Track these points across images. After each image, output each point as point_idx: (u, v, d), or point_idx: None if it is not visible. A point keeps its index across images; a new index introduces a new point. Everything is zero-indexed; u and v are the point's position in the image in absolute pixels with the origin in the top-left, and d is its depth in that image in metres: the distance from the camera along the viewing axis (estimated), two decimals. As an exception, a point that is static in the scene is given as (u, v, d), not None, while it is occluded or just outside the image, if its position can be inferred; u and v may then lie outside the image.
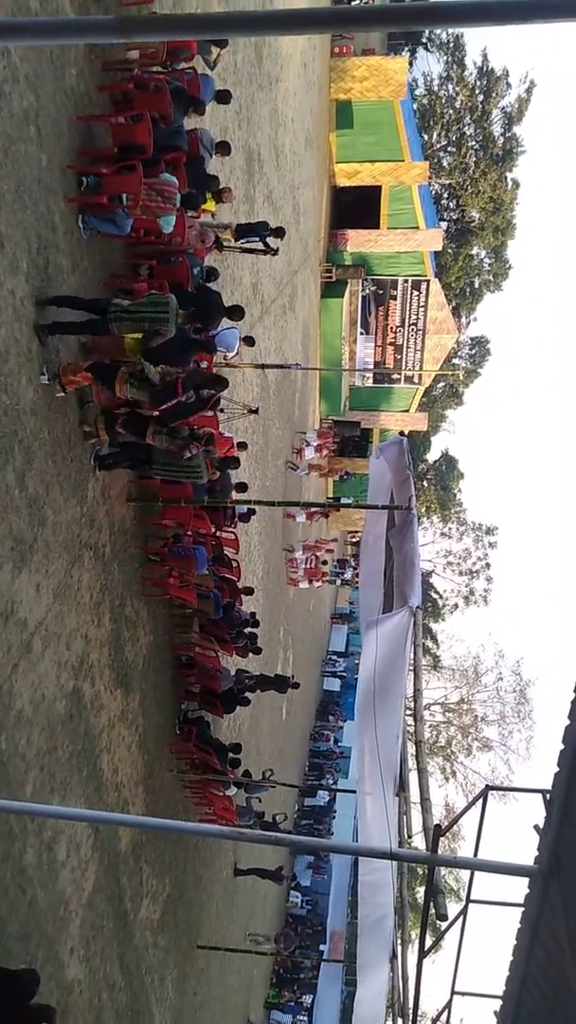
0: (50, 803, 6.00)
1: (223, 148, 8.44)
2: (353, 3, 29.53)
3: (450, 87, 38.93)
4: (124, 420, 6.62)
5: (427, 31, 37.03)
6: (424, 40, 38.93)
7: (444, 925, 4.83)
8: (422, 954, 5.07)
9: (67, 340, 6.10)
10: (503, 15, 1.79)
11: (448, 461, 47.75)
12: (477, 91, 37.93)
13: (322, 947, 24.99)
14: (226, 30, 2.18)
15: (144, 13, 7.25)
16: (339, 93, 25.99)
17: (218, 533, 9.78)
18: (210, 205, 8.60)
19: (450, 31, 37.30)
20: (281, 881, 16.52)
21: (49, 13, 5.64)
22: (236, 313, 8.26)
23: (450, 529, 47.90)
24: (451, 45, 38.28)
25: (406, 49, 34.58)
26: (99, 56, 6.50)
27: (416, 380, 30.05)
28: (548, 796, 4.03)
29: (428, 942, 5.01)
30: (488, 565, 47.20)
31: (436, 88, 39.51)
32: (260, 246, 10.71)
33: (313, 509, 20.84)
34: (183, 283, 7.38)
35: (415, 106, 35.56)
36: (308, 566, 20.59)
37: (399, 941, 7.40)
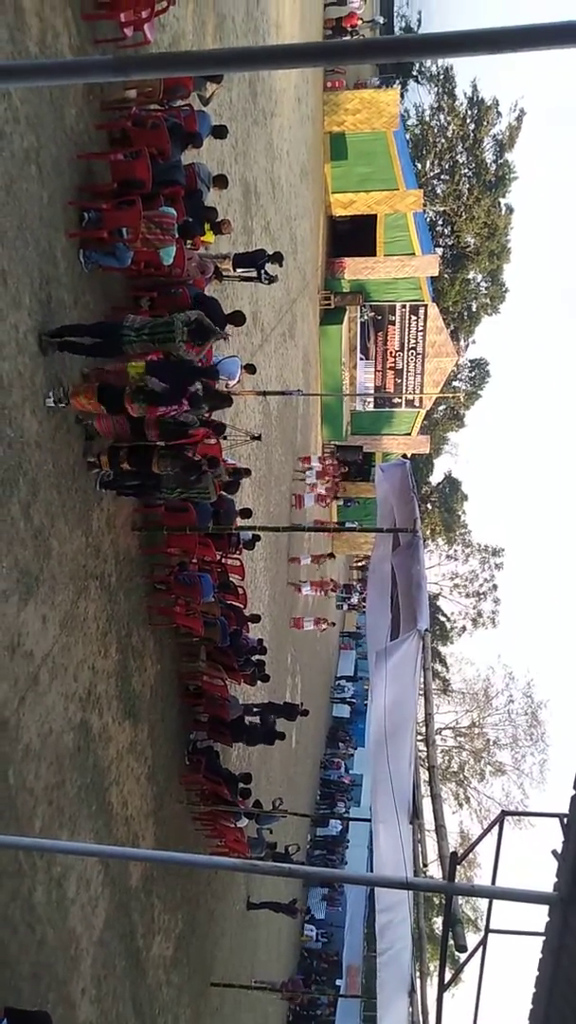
0: (59, 838, 5.91)
1: (220, 181, 8.59)
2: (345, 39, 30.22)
3: (442, 117, 39.71)
4: (128, 454, 6.65)
5: (417, 64, 37.93)
6: (415, 73, 39.82)
7: (463, 956, 4.72)
8: (442, 987, 4.94)
9: (72, 364, 6.16)
10: (489, 45, 1.83)
11: (451, 483, 47.81)
12: (468, 120, 38.66)
13: (338, 982, 24.40)
14: (220, 65, 2.23)
15: (141, 53, 7.43)
16: (333, 126, 26.50)
17: (223, 560, 9.77)
18: (209, 237, 8.72)
19: (439, 63, 38.18)
20: (295, 914, 16.21)
21: (48, 57, 5.78)
22: (237, 318, 8.34)
23: (456, 551, 47.78)
24: (441, 77, 39.15)
25: (397, 82, 35.33)
26: (97, 96, 6.65)
27: (417, 403, 30.20)
28: (566, 820, 3.95)
29: (448, 975, 4.88)
30: (495, 587, 47.03)
31: (428, 118, 40.32)
32: (257, 275, 10.84)
33: (319, 553, 20.84)
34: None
35: (408, 136, 36.24)
36: (315, 593, 20.73)
37: (417, 974, 7.23)
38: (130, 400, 6.18)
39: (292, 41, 18.44)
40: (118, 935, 7.28)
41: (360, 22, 28.19)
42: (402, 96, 32.38)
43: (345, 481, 30.27)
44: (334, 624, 24.50)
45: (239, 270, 10.53)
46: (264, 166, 15.56)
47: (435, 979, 5.16)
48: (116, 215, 6.31)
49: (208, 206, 8.32)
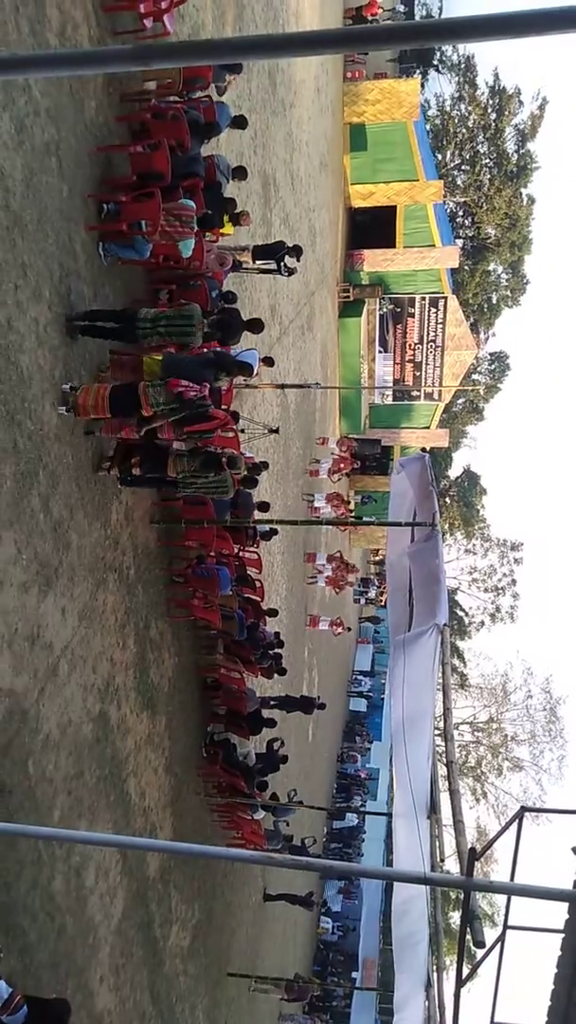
0: (78, 828, 5.96)
1: (240, 173, 8.56)
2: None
3: (462, 107, 39.28)
4: (140, 460, 6.58)
5: (438, 53, 37.51)
6: (435, 62, 39.38)
7: (481, 952, 4.69)
8: (459, 983, 4.92)
9: (90, 360, 6.17)
10: (515, 28, 1.79)
11: (470, 477, 47.49)
12: (489, 110, 38.21)
13: (354, 975, 24.47)
14: (240, 54, 2.20)
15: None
16: (352, 116, 26.32)
17: (241, 553, 9.77)
18: (228, 229, 8.70)
19: (460, 52, 37.73)
20: (311, 907, 16.24)
21: (68, 48, 5.77)
22: (256, 326, 8.32)
23: (474, 546, 47.52)
24: (462, 66, 38.69)
25: (417, 71, 35.01)
26: (117, 88, 6.64)
27: (436, 396, 30.00)
28: (586, 817, 3.92)
29: (465, 970, 4.87)
30: (514, 581, 46.71)
31: (448, 108, 39.88)
32: (277, 267, 10.79)
33: (336, 572, 20.55)
34: (202, 306, 7.46)
35: (428, 126, 35.89)
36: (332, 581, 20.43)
37: (434, 969, 7.22)
38: (144, 393, 6.07)
39: (311, 29, 18.29)
40: (136, 925, 7.35)
41: (381, 11, 27.93)
42: (422, 86, 32.07)
43: (362, 475, 30.14)
44: (350, 629, 23.61)
45: (258, 262, 10.50)
46: (283, 157, 15.48)
47: (452, 974, 5.15)
48: (135, 208, 6.31)
49: (227, 197, 8.30)
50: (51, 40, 5.54)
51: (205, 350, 7.21)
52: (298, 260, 11.25)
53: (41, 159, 5.42)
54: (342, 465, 21.35)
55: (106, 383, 6.07)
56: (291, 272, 11.08)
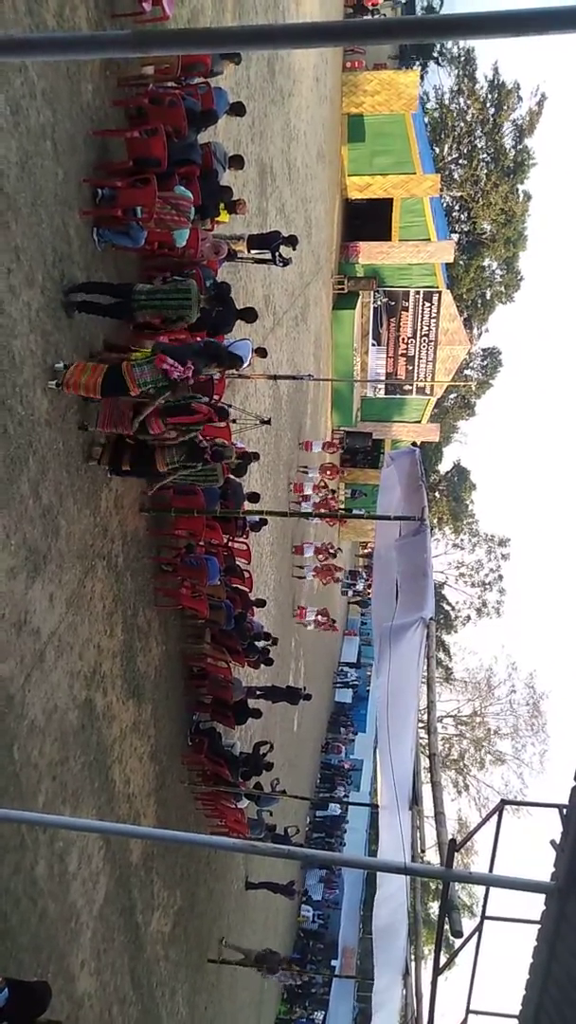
0: (62, 814, 5.98)
1: (236, 162, 8.51)
2: (366, 17, 29.77)
3: (461, 100, 39.11)
4: (131, 457, 6.56)
5: (438, 45, 37.33)
6: (435, 54, 39.19)
7: (459, 942, 4.76)
8: (436, 972, 4.99)
9: (84, 346, 6.14)
10: (515, 27, 1.80)
11: (460, 472, 47.62)
12: (488, 104, 38.08)
13: (334, 963, 24.72)
14: (239, 44, 2.20)
15: (160, 29, 7.35)
16: (351, 107, 26.18)
17: (230, 544, 9.78)
18: (223, 217, 8.66)
19: (461, 45, 37.57)
20: (293, 895, 16.37)
21: (65, 30, 5.71)
22: (249, 315, 8.29)
23: (462, 540, 47.71)
24: (462, 59, 38.50)
25: (417, 63, 34.81)
26: (115, 72, 6.58)
27: (428, 391, 30.04)
28: (565, 811, 3.97)
29: (442, 959, 4.94)
30: (501, 577, 46.96)
31: (447, 101, 39.71)
32: (272, 257, 10.76)
33: (325, 563, 20.55)
34: (197, 294, 7.42)
35: (426, 119, 35.75)
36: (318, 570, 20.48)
37: (412, 958, 7.31)
38: (130, 370, 5.95)
39: (312, 17, 18.18)
40: (118, 910, 7.39)
41: (381, 1, 27.76)
42: (422, 78, 31.92)
43: (354, 468, 30.19)
44: (335, 621, 22.79)
45: (253, 251, 10.46)
46: (280, 146, 15.40)
47: (430, 962, 5.22)
48: (131, 194, 6.26)
49: (223, 186, 8.25)
50: (49, 21, 5.48)
51: (197, 339, 7.19)
52: (294, 250, 11.22)
53: (36, 142, 5.37)
54: (329, 473, 21.31)
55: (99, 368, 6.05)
56: (286, 263, 11.06)
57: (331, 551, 20.98)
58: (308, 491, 19.07)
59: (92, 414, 6.22)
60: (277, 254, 10.69)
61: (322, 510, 18.90)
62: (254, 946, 13.55)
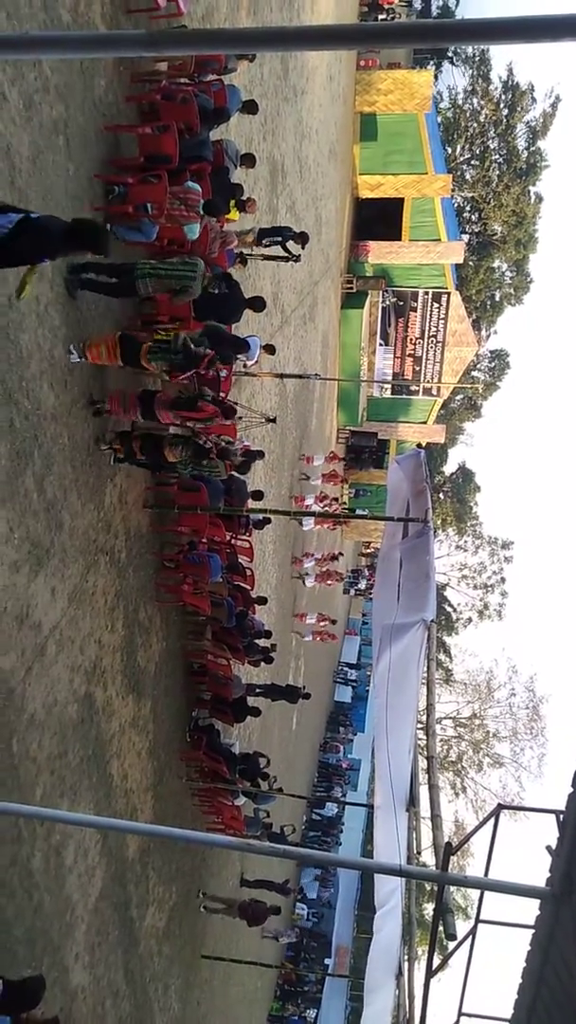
0: (59, 808, 6.00)
1: (248, 160, 8.49)
2: (380, 19, 29.71)
3: (475, 101, 39.03)
4: (141, 444, 6.64)
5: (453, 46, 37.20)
6: (450, 54, 39.09)
7: (452, 944, 4.77)
8: (430, 973, 5.00)
9: (93, 314, 6.15)
10: (529, 33, 1.79)
11: (465, 474, 47.59)
12: (502, 105, 37.99)
13: (327, 961, 24.75)
14: (254, 45, 2.20)
15: (174, 27, 7.33)
16: (364, 106, 26.13)
17: (233, 541, 9.79)
18: (233, 215, 8.64)
19: (475, 46, 37.42)
20: (288, 894, 16.38)
21: (80, 27, 5.72)
22: (258, 303, 8.25)
23: (466, 542, 47.67)
24: (477, 59, 38.41)
25: (431, 63, 34.73)
26: (128, 67, 6.57)
27: (435, 392, 30.01)
28: (562, 817, 3.97)
29: (436, 961, 4.94)
30: (503, 579, 46.93)
31: (461, 102, 39.63)
32: (282, 251, 10.73)
33: (325, 569, 20.51)
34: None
35: (439, 119, 35.67)
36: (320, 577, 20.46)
37: (406, 959, 7.32)
38: (146, 355, 6.14)
39: (327, 16, 18.13)
40: (113, 905, 7.41)
41: (396, 0, 27.69)
42: (436, 78, 31.85)
43: (358, 470, 30.18)
44: (334, 622, 22.32)
45: (264, 240, 10.40)
46: (292, 144, 15.37)
47: (423, 964, 5.23)
48: (142, 190, 6.26)
49: (234, 183, 8.24)
50: (63, 16, 5.48)
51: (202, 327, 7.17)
52: (303, 248, 11.18)
53: (49, 136, 5.37)
54: (332, 482, 21.22)
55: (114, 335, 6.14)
56: (296, 258, 11.01)
57: (334, 556, 21.05)
58: (309, 501, 18.58)
59: (106, 398, 6.32)
60: (286, 247, 10.65)
61: (324, 519, 18.76)
62: (249, 945, 13.44)
